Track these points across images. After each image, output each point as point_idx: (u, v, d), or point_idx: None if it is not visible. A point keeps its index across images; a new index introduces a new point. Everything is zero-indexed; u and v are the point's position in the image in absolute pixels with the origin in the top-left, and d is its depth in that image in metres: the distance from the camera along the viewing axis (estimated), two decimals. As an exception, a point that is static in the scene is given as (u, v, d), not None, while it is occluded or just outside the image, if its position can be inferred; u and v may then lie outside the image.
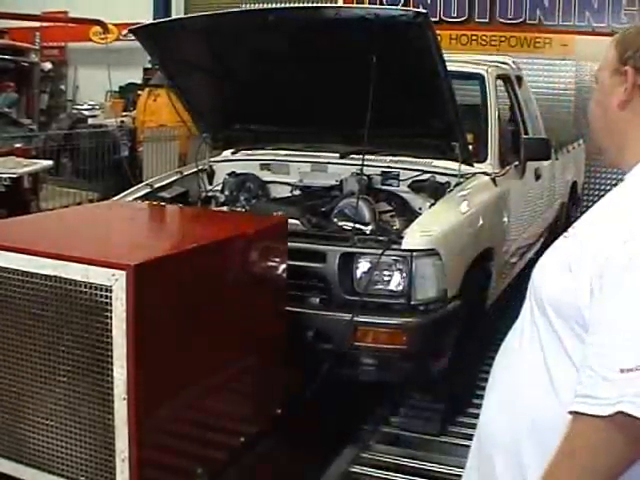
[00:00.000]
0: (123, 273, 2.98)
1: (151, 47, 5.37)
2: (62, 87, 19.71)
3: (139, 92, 13.73)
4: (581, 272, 1.73)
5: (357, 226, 4.65)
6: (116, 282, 2.99)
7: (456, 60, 6.10)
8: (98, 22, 15.13)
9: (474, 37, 12.31)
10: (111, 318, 3.00)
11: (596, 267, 1.69)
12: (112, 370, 3.04)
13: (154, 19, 15.37)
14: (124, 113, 14.50)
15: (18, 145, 9.72)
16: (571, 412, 1.66)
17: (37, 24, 17.68)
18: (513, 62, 7.43)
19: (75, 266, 3.08)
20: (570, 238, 1.87)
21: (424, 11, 4.58)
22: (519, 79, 7.11)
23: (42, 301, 3.18)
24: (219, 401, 3.64)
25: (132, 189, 5.39)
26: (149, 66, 12.90)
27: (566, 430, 1.68)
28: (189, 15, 5.80)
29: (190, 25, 5.30)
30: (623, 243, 1.67)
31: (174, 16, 15.65)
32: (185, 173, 5.79)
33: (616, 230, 1.72)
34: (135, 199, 5.12)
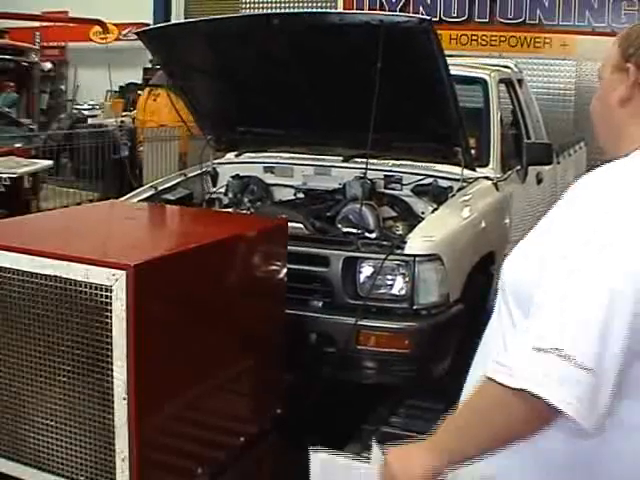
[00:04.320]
0: (123, 273, 2.97)
1: (155, 50, 5.39)
2: (62, 87, 19.71)
3: (139, 92, 13.73)
4: (540, 264, 1.80)
5: (361, 232, 4.66)
6: (116, 282, 2.98)
7: (458, 64, 6.09)
8: (98, 22, 15.14)
9: (474, 37, 12.33)
10: (111, 318, 3.00)
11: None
12: (112, 370, 3.04)
13: (154, 19, 15.40)
14: (124, 113, 14.51)
15: (18, 145, 9.71)
16: (486, 376, 1.73)
17: (37, 24, 17.69)
18: (515, 65, 7.43)
19: (75, 266, 3.07)
20: (538, 231, 1.96)
21: (428, 17, 4.59)
22: (521, 82, 7.10)
23: (42, 301, 3.16)
24: (219, 401, 3.63)
25: (136, 191, 5.40)
26: (149, 66, 12.89)
27: (477, 386, 1.78)
28: (194, 19, 5.80)
29: (195, 28, 5.31)
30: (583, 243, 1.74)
31: (174, 17, 15.69)
32: (189, 175, 5.78)
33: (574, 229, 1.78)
34: (139, 201, 5.11)
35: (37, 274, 3.15)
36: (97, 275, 3.02)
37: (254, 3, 12.94)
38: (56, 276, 3.11)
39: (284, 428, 4.05)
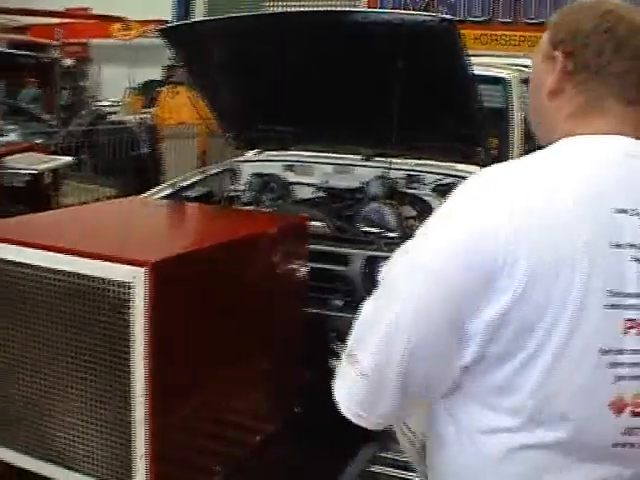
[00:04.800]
0: (142, 270, 2.96)
1: (176, 47, 5.39)
2: (83, 84, 19.79)
3: (159, 89, 13.75)
4: None
5: (382, 231, 4.65)
6: (136, 279, 2.97)
7: (480, 64, 6.07)
8: (119, 19, 15.19)
9: (495, 37, 12.31)
10: (131, 315, 2.99)
11: None
12: (131, 367, 3.03)
13: (174, 16, 15.44)
14: (144, 110, 14.54)
15: (38, 141, 9.74)
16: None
17: (58, 20, 17.75)
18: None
19: (95, 263, 3.07)
20: None
21: (450, 17, 4.57)
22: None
23: (62, 297, 3.16)
24: (237, 399, 3.63)
25: (156, 188, 5.40)
26: (170, 63, 12.91)
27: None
28: (215, 17, 5.81)
29: (216, 26, 5.30)
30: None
31: (195, 13, 15.71)
32: (209, 173, 5.78)
33: None
34: (159, 198, 5.12)
35: (56, 270, 3.15)
36: (116, 272, 3.02)
37: (276, 0, 12.96)
38: (76, 272, 3.11)
39: (302, 427, 4.05)
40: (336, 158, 5.67)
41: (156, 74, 16.20)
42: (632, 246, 1.61)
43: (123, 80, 15.08)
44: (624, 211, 1.62)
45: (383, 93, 4.51)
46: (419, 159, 5.38)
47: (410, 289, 1.70)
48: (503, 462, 1.72)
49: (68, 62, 17.71)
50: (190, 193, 5.32)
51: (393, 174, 5.19)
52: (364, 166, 5.45)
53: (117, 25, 16.52)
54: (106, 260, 3.05)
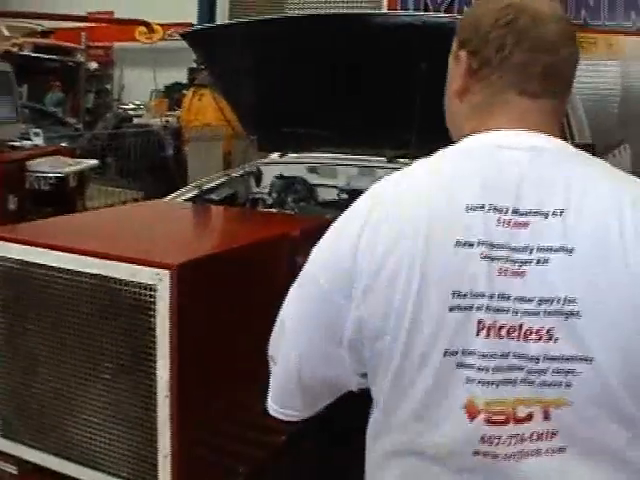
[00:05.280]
0: (167, 272, 2.99)
1: (200, 50, 5.43)
2: (108, 86, 19.88)
3: (184, 91, 13.79)
4: None
5: None
6: (160, 281, 3.00)
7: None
8: (143, 23, 15.26)
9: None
10: (155, 317, 3.02)
11: None
12: (155, 368, 3.06)
13: (199, 19, 15.48)
14: (169, 112, 14.60)
15: (64, 144, 9.81)
16: None
17: (83, 24, 17.83)
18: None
19: (120, 265, 3.09)
20: None
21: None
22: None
23: (87, 299, 3.19)
24: (261, 399, 3.64)
25: (180, 191, 5.42)
26: (194, 66, 12.96)
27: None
28: (238, 20, 5.84)
29: (239, 30, 5.34)
30: None
31: (218, 16, 15.75)
32: (233, 175, 5.81)
33: None
34: (184, 201, 5.15)
35: (81, 272, 3.18)
36: (141, 274, 3.04)
37: (299, 3, 12.99)
38: (101, 275, 3.13)
39: (328, 427, 4.06)
40: (359, 160, 5.69)
41: (180, 77, 16.26)
42: (483, 243, 1.56)
43: (147, 83, 15.15)
44: (480, 207, 1.57)
45: (405, 94, 4.52)
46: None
47: (291, 294, 1.86)
48: (383, 467, 1.76)
49: (93, 65, 17.79)
50: (214, 196, 5.34)
51: None
52: (387, 168, 5.46)
53: (141, 28, 16.57)
54: (131, 262, 3.07)
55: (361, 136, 5.34)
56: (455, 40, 1.80)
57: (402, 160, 5.25)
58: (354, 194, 5.48)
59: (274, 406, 1.97)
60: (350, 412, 2.47)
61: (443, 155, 1.72)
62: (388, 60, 4.70)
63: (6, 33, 13.05)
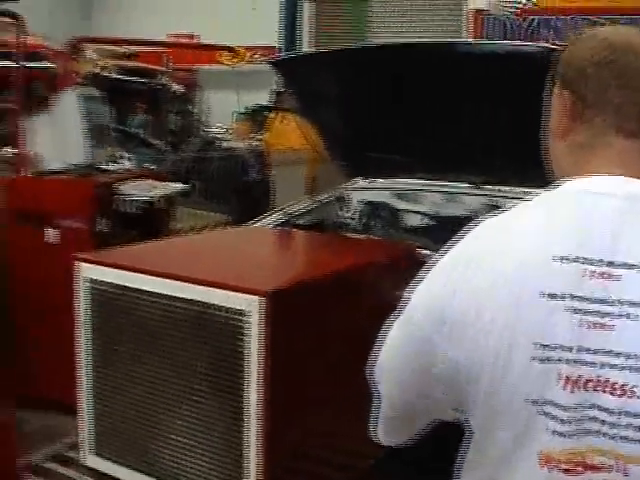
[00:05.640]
0: (260, 299, 3.05)
1: (287, 77, 5.50)
2: (192, 108, 20.09)
3: (268, 114, 13.85)
4: None
5: None
6: (253, 307, 3.06)
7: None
8: (228, 48, 15.39)
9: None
10: (247, 342, 3.08)
11: None
12: (245, 392, 3.13)
13: (280, 43, 15.58)
14: (253, 135, 14.69)
15: (151, 167, 9.93)
16: None
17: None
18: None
19: (213, 291, 3.17)
20: None
21: (557, 47, 4.59)
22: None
23: (179, 323, 3.28)
24: (350, 423, 3.66)
25: (266, 215, 5.48)
26: (280, 89, 13.04)
27: None
28: (325, 49, 5.91)
29: (327, 58, 5.40)
30: None
31: (302, 41, 15.84)
32: (319, 200, 5.86)
33: None
34: (271, 226, 5.20)
35: (173, 297, 3.27)
36: (235, 300, 3.12)
37: (381, 30, 13.02)
38: (194, 300, 3.21)
39: (413, 452, 4.06)
40: (444, 186, 5.69)
41: (260, 99, 16.33)
42: (571, 296, 1.54)
43: (227, 104, 15.26)
44: (571, 258, 1.55)
45: (491, 121, 4.53)
46: (527, 187, 5.37)
47: (391, 329, 1.88)
48: None
49: (178, 88, 17.98)
50: (301, 221, 5.39)
51: (502, 202, 5.19)
52: (473, 194, 5.46)
53: (225, 52, 16.72)
54: (225, 288, 3.15)
55: (447, 162, 5.35)
56: (557, 78, 1.79)
57: (488, 187, 5.25)
58: (440, 220, 5.52)
59: (375, 432, 2.00)
60: (439, 441, 2.49)
61: (539, 201, 1.72)
62: (475, 88, 4.72)
63: (95, 57, 13.26)
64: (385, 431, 1.99)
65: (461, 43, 5.70)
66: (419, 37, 12.46)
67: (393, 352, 1.84)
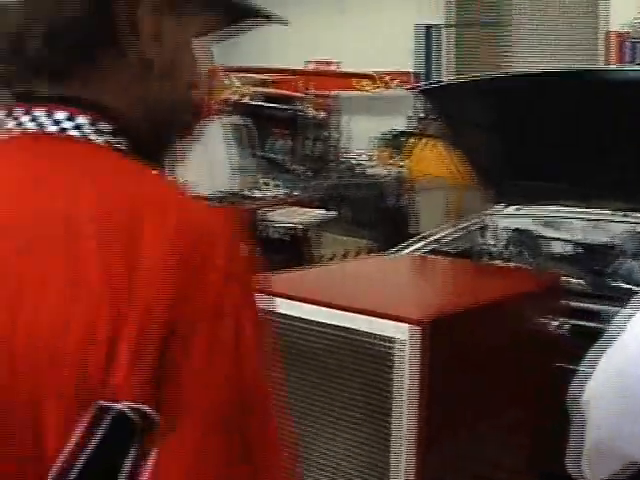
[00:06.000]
0: (416, 328, 3.15)
1: (435, 104, 5.58)
2: (331, 134, 20.27)
3: (410, 140, 13.87)
4: None
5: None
6: (409, 336, 3.15)
7: None
8: (369, 76, 15.55)
9: None
10: (403, 370, 3.16)
11: None
12: (394, 419, 3.21)
13: (416, 68, 15.63)
14: (391, 161, 14.74)
15: (295, 193, 10.13)
16: None
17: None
18: None
19: (367, 319, 3.27)
20: None
21: None
22: None
23: (329, 349, 3.39)
24: (493, 452, 3.70)
25: (411, 242, 5.54)
26: (421, 115, 13.08)
27: None
28: (473, 77, 5.94)
29: (474, 86, 5.46)
30: None
31: (441, 66, 15.86)
32: (463, 227, 5.90)
33: None
34: (417, 254, 5.27)
35: (333, 325, 3.38)
36: (389, 328, 3.21)
37: (522, 57, 12.95)
38: (345, 327, 3.32)
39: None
40: (589, 213, 5.66)
41: (394, 124, 16.37)
42: None
43: (364, 130, 15.37)
44: None
45: (635, 147, 4.53)
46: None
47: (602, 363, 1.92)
48: None
49: (316, 113, 18.15)
50: (448, 248, 5.43)
51: None
52: (619, 221, 5.42)
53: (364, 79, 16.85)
54: (378, 317, 3.24)
55: (591, 189, 5.33)
56: None
57: (634, 214, 5.21)
58: (585, 248, 5.50)
59: (571, 466, 1.99)
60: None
61: None
62: (623, 114, 4.71)
63: (237, 84, 13.55)
64: (584, 466, 1.95)
65: (610, 70, 5.67)
66: (559, 60, 12.31)
67: (605, 391, 1.89)
